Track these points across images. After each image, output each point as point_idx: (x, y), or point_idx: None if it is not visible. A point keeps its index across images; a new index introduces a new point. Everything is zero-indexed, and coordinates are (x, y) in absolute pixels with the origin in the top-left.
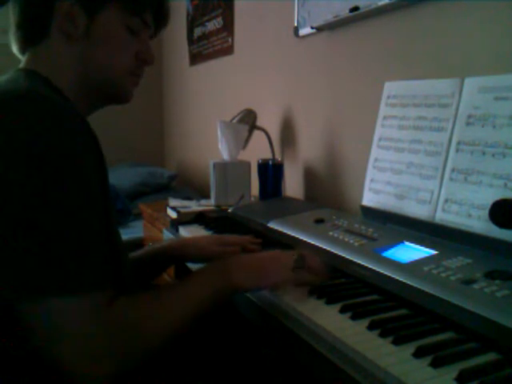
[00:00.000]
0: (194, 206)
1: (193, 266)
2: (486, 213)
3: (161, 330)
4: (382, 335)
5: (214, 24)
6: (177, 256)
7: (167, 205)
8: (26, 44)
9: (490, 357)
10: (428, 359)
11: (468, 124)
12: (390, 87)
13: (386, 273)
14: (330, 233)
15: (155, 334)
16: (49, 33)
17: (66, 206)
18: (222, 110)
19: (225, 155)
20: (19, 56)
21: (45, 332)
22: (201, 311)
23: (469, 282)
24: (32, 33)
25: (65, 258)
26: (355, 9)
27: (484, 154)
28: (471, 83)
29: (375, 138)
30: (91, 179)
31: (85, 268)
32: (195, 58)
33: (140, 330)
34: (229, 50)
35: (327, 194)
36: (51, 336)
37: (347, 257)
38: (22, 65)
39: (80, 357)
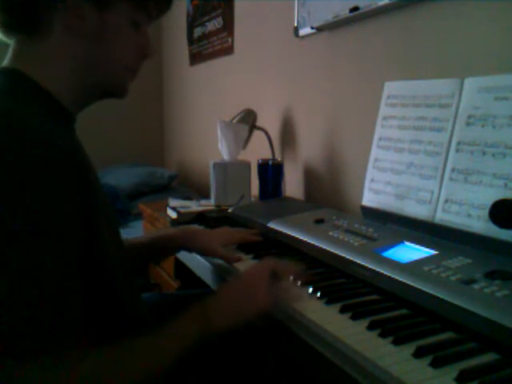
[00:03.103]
0: (194, 206)
1: (191, 265)
2: (485, 213)
3: None
4: (382, 335)
5: (214, 24)
6: (181, 246)
7: (167, 205)
8: (14, 30)
9: (490, 357)
10: (428, 359)
11: (468, 124)
12: (390, 87)
13: (385, 273)
14: (330, 233)
15: None
16: (51, 27)
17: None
18: (222, 109)
19: (225, 155)
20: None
21: None
22: (175, 360)
23: (469, 281)
24: (31, 21)
25: (16, 318)
26: (355, 9)
27: (484, 153)
28: (471, 83)
29: (375, 138)
30: (63, 221)
31: (49, 326)
32: (195, 58)
33: None
34: (229, 50)
35: (327, 193)
36: None
37: (347, 257)
38: (7, 61)
39: None
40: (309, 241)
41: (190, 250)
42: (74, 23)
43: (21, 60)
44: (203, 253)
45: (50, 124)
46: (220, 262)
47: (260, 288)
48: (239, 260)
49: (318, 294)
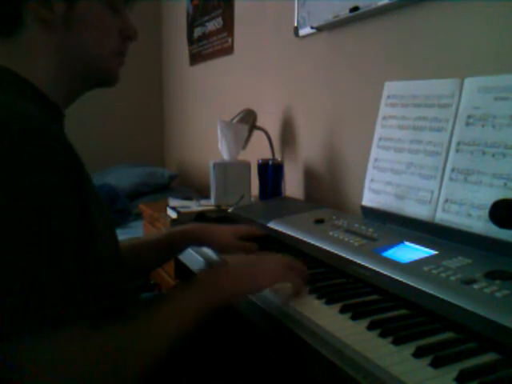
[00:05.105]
0: (194, 206)
1: (191, 265)
2: (485, 213)
3: (149, 355)
4: (382, 335)
5: (213, 24)
6: (196, 240)
7: (167, 205)
8: None
9: (490, 357)
10: (428, 359)
11: (468, 124)
12: (390, 87)
13: (385, 273)
14: (330, 233)
15: (142, 360)
16: (22, 22)
17: (29, 235)
18: (222, 109)
19: (225, 155)
20: None
21: (18, 373)
22: (191, 325)
23: (469, 281)
24: (2, 22)
25: (35, 294)
26: (355, 9)
27: (484, 153)
28: (471, 83)
29: (375, 138)
30: (64, 202)
31: (55, 301)
32: (195, 58)
33: (125, 358)
34: (229, 50)
35: (327, 193)
36: (27, 380)
37: (347, 257)
38: None
39: None
40: (309, 241)
41: (201, 243)
42: (44, 15)
43: (5, 58)
44: (216, 245)
45: (41, 114)
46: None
47: (274, 263)
48: (255, 249)
49: (318, 294)
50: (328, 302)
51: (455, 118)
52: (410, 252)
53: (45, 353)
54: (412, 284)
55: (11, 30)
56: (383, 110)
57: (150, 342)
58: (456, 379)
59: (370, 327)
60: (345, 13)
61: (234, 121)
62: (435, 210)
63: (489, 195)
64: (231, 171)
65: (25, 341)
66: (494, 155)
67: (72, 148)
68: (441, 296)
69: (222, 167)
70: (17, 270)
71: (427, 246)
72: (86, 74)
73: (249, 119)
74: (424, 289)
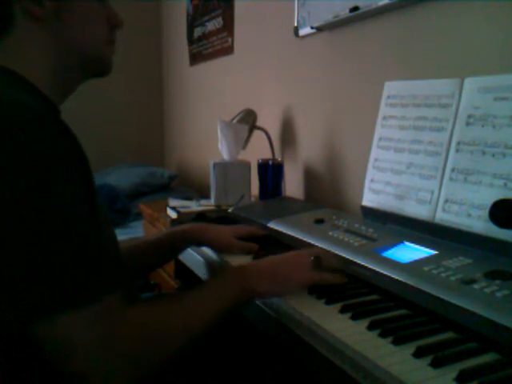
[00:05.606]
0: (194, 206)
1: (191, 265)
2: (485, 213)
3: (177, 338)
4: (382, 335)
5: (213, 24)
6: (196, 239)
7: (167, 205)
8: None
9: (490, 357)
10: (428, 359)
11: (468, 124)
12: (390, 87)
13: (385, 273)
14: (330, 233)
15: (171, 342)
16: (14, 20)
17: (57, 216)
18: (222, 109)
19: (225, 155)
20: None
21: (59, 349)
22: (218, 318)
23: (469, 282)
24: None
25: (66, 270)
26: (355, 9)
27: (484, 153)
28: (471, 83)
29: (375, 138)
30: (77, 187)
31: (90, 277)
32: (195, 58)
33: (155, 336)
34: (229, 50)
35: (327, 193)
36: (66, 352)
37: (347, 257)
38: None
39: (98, 367)
40: (309, 241)
41: (201, 243)
42: (33, 10)
43: (0, 58)
44: (216, 244)
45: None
46: (220, 257)
47: (302, 264)
48: (255, 249)
49: (318, 294)
50: (328, 302)
51: (455, 117)
52: (410, 252)
53: (88, 322)
54: (412, 284)
55: (3, 29)
56: (383, 110)
57: (182, 322)
58: (456, 379)
59: (370, 327)
60: (345, 13)
61: (234, 121)
62: (435, 210)
63: (489, 195)
64: (231, 171)
65: (63, 317)
66: (494, 155)
67: (76, 138)
68: (441, 296)
69: (222, 167)
70: (53, 247)
71: (427, 246)
72: (81, 66)
73: (249, 119)
74: (424, 289)
